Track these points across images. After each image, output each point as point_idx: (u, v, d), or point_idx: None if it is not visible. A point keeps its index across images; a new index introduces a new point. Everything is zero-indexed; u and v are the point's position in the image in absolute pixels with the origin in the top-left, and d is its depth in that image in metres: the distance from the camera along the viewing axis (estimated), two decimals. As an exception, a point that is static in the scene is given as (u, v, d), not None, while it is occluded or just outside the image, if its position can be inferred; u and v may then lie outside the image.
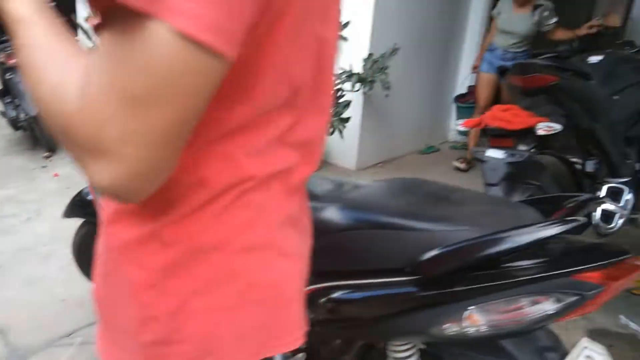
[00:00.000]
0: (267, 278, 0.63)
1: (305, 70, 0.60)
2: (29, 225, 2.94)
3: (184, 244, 0.58)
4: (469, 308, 0.85)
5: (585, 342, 0.94)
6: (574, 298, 0.80)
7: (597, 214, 2.34)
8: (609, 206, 2.32)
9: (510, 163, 1.86)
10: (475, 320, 0.85)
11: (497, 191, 2.02)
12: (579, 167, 2.50)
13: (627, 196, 2.33)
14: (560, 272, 0.82)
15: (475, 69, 4.31)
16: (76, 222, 2.00)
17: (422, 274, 0.89)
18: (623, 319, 2.36)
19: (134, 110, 0.44)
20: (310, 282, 1.06)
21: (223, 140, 0.56)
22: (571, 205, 0.97)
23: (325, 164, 4.17)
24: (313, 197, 1.09)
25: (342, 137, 3.63)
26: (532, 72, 2.04)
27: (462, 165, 4.24)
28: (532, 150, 2.61)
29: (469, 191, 1.08)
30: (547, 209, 0.97)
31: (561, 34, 3.80)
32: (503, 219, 0.91)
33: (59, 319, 2.13)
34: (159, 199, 0.55)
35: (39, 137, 3.89)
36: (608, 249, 0.87)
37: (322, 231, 1.01)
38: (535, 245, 0.83)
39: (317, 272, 1.06)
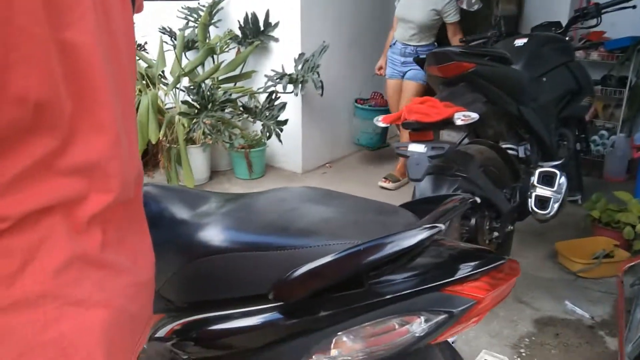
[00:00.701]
0: (51, 335, 0.52)
1: (42, 83, 0.49)
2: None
3: None
4: (338, 334, 0.75)
5: (484, 354, 0.86)
6: (442, 316, 0.70)
7: (532, 200, 2.29)
8: (542, 192, 2.28)
9: (433, 156, 1.78)
10: (347, 347, 0.75)
11: (423, 186, 1.95)
12: (513, 152, 2.45)
13: (561, 180, 2.29)
14: (428, 286, 0.72)
15: (381, 70, 3.81)
16: None
17: (282, 299, 0.78)
18: (569, 305, 2.33)
19: None
20: (182, 315, 0.95)
21: None
22: (442, 207, 0.88)
23: (270, 168, 4.06)
24: (192, 212, 0.97)
25: (280, 140, 3.52)
26: (447, 61, 1.97)
27: (388, 185, 3.67)
28: (463, 141, 2.56)
29: (350, 197, 0.98)
30: (429, 211, 0.88)
31: (457, 33, 3.41)
32: (369, 229, 0.81)
33: None
34: None
35: None
36: (484, 255, 0.78)
37: (192, 254, 0.90)
38: (397, 256, 0.73)
39: (191, 303, 0.95)
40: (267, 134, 3.49)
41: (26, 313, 0.50)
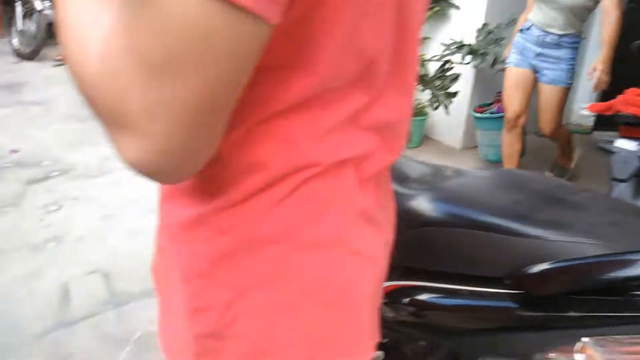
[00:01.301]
0: (334, 278, 0.55)
1: (380, 39, 0.50)
2: (136, 179, 3.13)
3: (238, 233, 0.52)
4: (584, 339, 0.71)
5: None
6: None
7: None
8: None
9: (645, 156, 1.59)
10: (590, 354, 0.70)
11: (625, 188, 1.75)
12: None
13: None
14: None
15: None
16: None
17: (525, 289, 0.75)
18: None
19: (158, 79, 0.37)
20: (391, 278, 0.97)
21: (279, 119, 0.49)
22: None
23: (427, 139, 3.97)
24: (403, 181, 0.98)
25: (447, 112, 3.41)
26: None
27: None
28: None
29: (591, 192, 0.90)
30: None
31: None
32: (633, 233, 0.74)
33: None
34: (209, 182, 0.50)
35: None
36: None
37: (410, 223, 0.90)
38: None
39: (401, 267, 0.96)
40: (435, 105, 3.40)
41: (319, 254, 0.54)
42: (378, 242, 0.62)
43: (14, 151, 3.40)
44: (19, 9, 5.42)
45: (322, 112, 0.50)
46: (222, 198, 0.52)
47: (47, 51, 5.39)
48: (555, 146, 3.19)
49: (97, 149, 3.49)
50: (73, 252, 2.35)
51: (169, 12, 0.35)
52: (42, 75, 5.04)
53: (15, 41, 5.66)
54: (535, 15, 2.78)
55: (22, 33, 5.56)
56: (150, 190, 2.94)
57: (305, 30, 0.44)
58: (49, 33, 5.21)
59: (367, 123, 0.53)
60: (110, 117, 0.41)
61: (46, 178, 3.08)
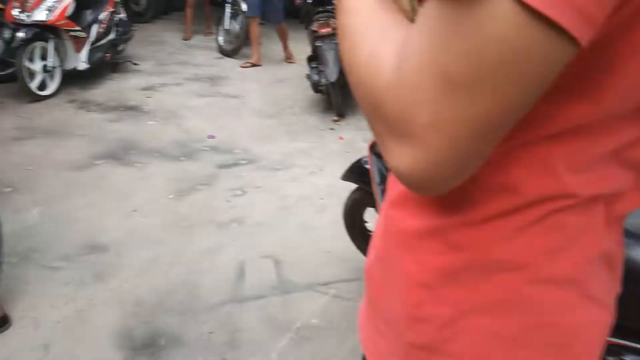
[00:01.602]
0: (563, 320, 0.51)
1: None
2: (312, 177, 3.31)
3: (473, 252, 0.51)
4: None
5: None
6: None
7: None
8: None
9: None
10: None
11: None
12: None
13: None
14: None
15: None
16: (351, 186, 2.13)
17: None
18: None
19: (453, 95, 0.38)
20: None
21: (545, 143, 0.46)
22: None
23: None
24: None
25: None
26: None
27: None
28: None
29: None
30: None
31: None
32: None
33: (321, 268, 2.33)
34: (455, 196, 0.49)
35: (333, 102, 4.31)
36: None
37: (630, 275, 0.80)
38: None
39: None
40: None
41: (553, 291, 0.50)
42: (612, 290, 0.57)
43: (211, 137, 3.83)
44: (227, 9, 6.10)
45: (590, 142, 0.46)
46: (465, 214, 0.51)
47: (246, 50, 5.99)
48: None
49: (281, 145, 3.77)
50: (251, 235, 2.57)
51: (485, 33, 0.35)
52: (239, 72, 5.61)
53: (221, 39, 6.40)
54: None
55: (227, 32, 6.27)
56: (322, 189, 3.09)
57: (603, 54, 0.41)
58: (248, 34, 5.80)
59: (628, 159, 0.49)
60: (393, 125, 0.42)
61: (235, 164, 3.41)
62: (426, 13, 0.39)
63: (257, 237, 2.56)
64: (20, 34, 3.91)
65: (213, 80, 5.38)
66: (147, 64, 5.64)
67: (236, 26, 6.06)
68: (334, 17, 4.27)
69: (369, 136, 4.10)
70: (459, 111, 0.38)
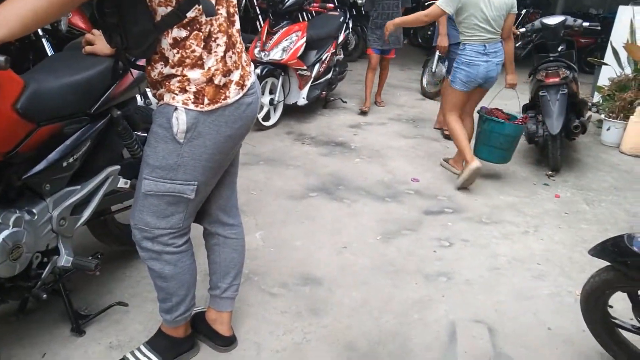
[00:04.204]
0: None
1: None
2: (525, 237, 3.04)
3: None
4: None
5: None
6: None
7: None
8: None
9: None
10: None
11: None
12: None
13: None
14: None
15: None
16: (586, 261, 1.85)
17: None
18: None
19: None
20: None
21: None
22: None
23: None
24: None
25: None
26: None
27: None
28: None
29: None
30: None
31: None
32: None
33: (541, 347, 2.08)
34: None
35: (550, 155, 3.96)
36: None
37: None
38: None
39: None
40: None
41: None
42: None
43: (415, 180, 3.81)
44: (437, 53, 6.11)
45: None
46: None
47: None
48: None
49: (487, 195, 3.57)
50: (461, 294, 2.42)
51: None
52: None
53: (425, 80, 6.43)
54: None
55: (432, 74, 6.27)
56: (538, 254, 2.80)
57: None
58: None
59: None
60: None
61: (440, 212, 3.31)
62: None
63: (468, 296, 2.40)
64: (257, 71, 4.40)
65: (415, 121, 5.40)
66: (353, 102, 5.92)
67: (442, 69, 6.05)
68: (564, 67, 3.96)
69: (591, 197, 3.65)
70: None
